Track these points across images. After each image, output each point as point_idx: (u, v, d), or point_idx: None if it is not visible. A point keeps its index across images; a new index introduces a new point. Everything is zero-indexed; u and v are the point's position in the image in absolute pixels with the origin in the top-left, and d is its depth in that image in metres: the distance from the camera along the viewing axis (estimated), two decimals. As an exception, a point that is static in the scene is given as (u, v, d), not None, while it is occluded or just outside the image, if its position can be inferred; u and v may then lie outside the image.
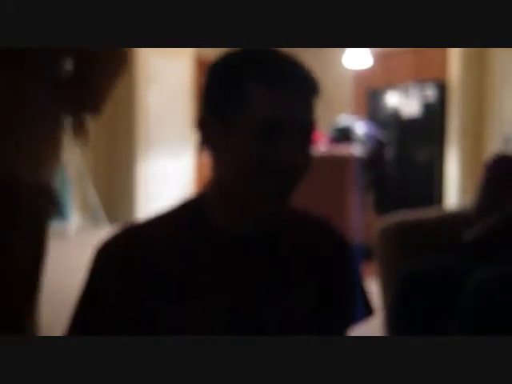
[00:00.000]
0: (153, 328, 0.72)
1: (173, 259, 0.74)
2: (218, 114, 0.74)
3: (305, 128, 0.74)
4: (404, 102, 5.65)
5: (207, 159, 0.78)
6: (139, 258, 0.73)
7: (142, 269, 0.73)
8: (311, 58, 6.96)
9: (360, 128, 4.54)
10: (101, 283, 0.75)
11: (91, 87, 1.37)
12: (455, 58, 5.00)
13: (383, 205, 4.51)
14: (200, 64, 6.13)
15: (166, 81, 5.71)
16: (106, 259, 0.76)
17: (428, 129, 5.45)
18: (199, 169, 6.02)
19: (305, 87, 0.74)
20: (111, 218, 5.64)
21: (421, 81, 5.59)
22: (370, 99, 6.00)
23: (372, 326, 0.89)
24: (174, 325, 0.72)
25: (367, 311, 0.85)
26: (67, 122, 1.40)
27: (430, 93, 5.44)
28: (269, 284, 0.77)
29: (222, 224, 0.75)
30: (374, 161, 4.24)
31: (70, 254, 4.18)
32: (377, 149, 4.41)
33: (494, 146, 4.45)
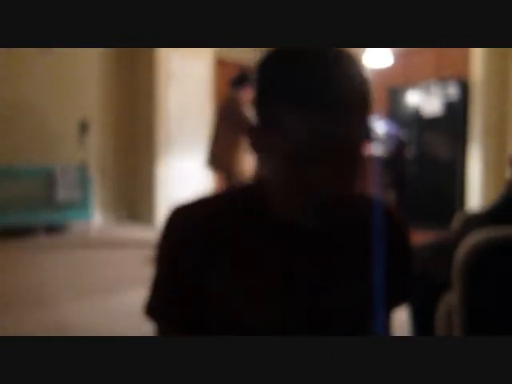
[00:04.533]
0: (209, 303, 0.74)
1: (234, 238, 0.76)
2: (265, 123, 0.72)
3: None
4: (425, 101, 5.59)
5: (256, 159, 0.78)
6: (206, 229, 0.75)
7: (207, 242, 0.75)
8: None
9: (380, 127, 4.51)
10: (169, 247, 0.79)
11: None
12: (478, 55, 4.93)
13: (404, 204, 4.47)
14: (220, 63, 6.16)
15: (187, 80, 5.75)
16: (178, 225, 0.78)
17: (450, 127, 5.38)
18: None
19: (344, 105, 0.67)
20: (132, 216, 5.71)
21: (442, 79, 5.53)
22: (390, 98, 5.95)
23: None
24: (227, 301, 0.74)
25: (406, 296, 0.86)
26: None
27: (452, 91, 5.37)
28: (329, 271, 0.77)
29: (281, 212, 0.75)
30: (394, 160, 4.21)
31: (92, 251, 4.26)
32: (397, 148, 4.38)
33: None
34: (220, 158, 4.20)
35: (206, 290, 0.74)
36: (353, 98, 0.68)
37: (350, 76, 0.70)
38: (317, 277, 0.76)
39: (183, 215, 0.78)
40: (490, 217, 1.73)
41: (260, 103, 0.73)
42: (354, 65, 0.72)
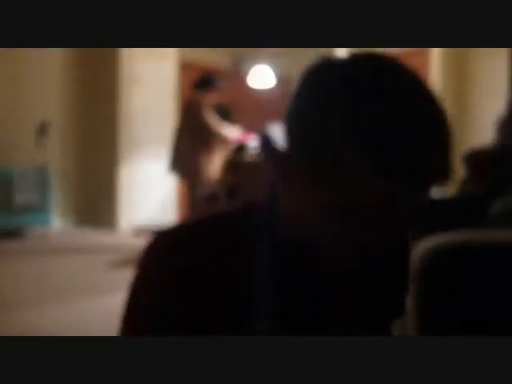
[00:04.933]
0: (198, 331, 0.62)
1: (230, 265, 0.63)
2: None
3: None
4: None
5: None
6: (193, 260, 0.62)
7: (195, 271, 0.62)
8: (297, 65, 7.00)
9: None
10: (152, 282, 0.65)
11: None
12: (435, 61, 5.09)
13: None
14: (184, 66, 6.12)
15: (150, 82, 5.70)
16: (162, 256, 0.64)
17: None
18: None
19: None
20: (93, 221, 5.59)
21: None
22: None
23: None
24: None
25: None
26: None
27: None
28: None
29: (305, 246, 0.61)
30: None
31: (51, 257, 4.15)
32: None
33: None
34: (182, 162, 4.16)
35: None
36: (444, 171, 0.53)
37: (449, 141, 0.53)
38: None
39: (167, 247, 0.65)
40: (444, 217, 1.79)
41: (307, 131, 0.54)
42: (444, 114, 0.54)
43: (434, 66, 5.17)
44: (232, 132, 4.18)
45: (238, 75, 6.47)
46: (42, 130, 5.13)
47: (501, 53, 4.55)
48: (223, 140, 4.09)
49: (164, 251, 0.64)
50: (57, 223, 5.30)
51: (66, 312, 2.84)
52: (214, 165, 4.12)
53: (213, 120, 4.05)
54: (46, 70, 5.29)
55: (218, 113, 4.21)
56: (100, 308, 2.92)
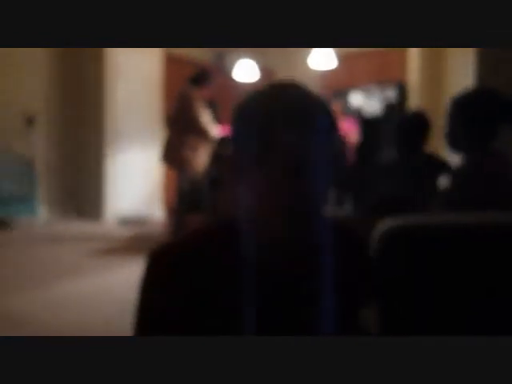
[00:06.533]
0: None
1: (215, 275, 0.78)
2: (250, 151, 0.76)
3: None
4: (367, 103, 5.89)
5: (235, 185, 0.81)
6: (188, 272, 0.77)
7: (190, 283, 0.76)
8: (279, 58, 7.11)
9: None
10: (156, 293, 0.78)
11: None
12: (414, 58, 5.25)
13: (345, 203, 4.70)
14: (169, 60, 6.19)
15: (135, 75, 5.76)
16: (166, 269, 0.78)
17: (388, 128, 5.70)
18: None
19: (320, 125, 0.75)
20: (79, 211, 5.67)
21: (382, 82, 5.84)
22: (334, 100, 6.22)
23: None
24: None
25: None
26: None
27: (391, 94, 5.69)
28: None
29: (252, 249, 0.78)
30: (335, 160, 4.42)
31: (37, 248, 4.23)
32: (338, 148, 4.61)
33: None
34: (173, 153, 4.28)
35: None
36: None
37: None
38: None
39: (166, 262, 0.79)
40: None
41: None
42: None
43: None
44: (216, 130, 4.32)
45: (220, 69, 6.57)
46: (29, 122, 5.18)
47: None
48: (208, 137, 4.24)
49: (164, 267, 0.79)
50: (43, 214, 5.37)
51: (54, 294, 2.96)
52: (201, 157, 4.25)
53: (202, 116, 4.19)
54: (31, 63, 5.32)
55: (208, 106, 4.35)
56: (86, 289, 3.06)
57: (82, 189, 5.70)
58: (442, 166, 2.81)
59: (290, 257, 0.81)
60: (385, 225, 1.07)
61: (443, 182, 2.59)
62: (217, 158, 4.26)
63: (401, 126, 2.93)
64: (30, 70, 5.31)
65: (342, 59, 5.82)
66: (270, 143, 0.74)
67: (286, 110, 0.75)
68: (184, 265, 0.77)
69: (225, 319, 0.76)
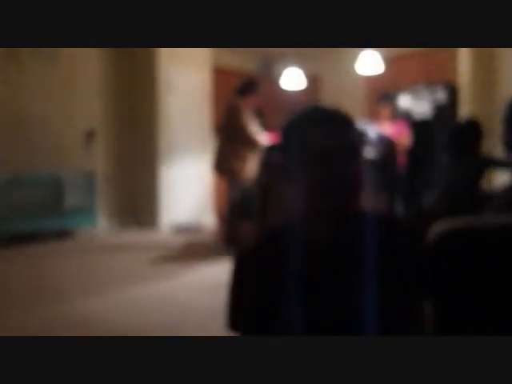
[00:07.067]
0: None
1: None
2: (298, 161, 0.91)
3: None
4: (415, 104, 5.81)
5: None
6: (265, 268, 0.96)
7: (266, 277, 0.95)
8: (325, 65, 7.14)
9: (372, 131, 4.72)
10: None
11: None
12: (464, 59, 5.14)
13: (397, 205, 4.67)
14: (217, 72, 6.36)
15: (185, 89, 5.96)
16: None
17: (440, 130, 5.59)
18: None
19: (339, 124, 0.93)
20: (136, 221, 5.90)
21: (431, 83, 5.74)
22: (383, 103, 6.15)
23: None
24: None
25: None
26: None
27: (441, 95, 5.59)
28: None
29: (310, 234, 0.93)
30: (386, 162, 4.41)
31: (100, 255, 4.45)
32: (388, 150, 4.59)
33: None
34: (223, 163, 4.41)
35: (268, 305, 0.94)
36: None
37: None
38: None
39: (249, 260, 0.99)
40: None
41: None
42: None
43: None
44: (263, 138, 4.41)
45: (267, 78, 6.67)
46: (90, 136, 5.46)
47: None
48: (256, 145, 4.34)
49: (248, 258, 1.00)
50: (102, 224, 5.63)
51: (117, 298, 3.12)
52: (250, 165, 4.36)
53: (249, 125, 4.30)
54: (90, 84, 5.62)
55: (255, 115, 4.47)
56: (146, 293, 3.21)
57: (138, 200, 5.93)
58: (495, 163, 2.78)
59: (337, 253, 0.92)
60: (440, 226, 1.06)
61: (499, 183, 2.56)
62: (266, 166, 4.35)
63: (453, 134, 2.92)
64: (89, 91, 5.62)
65: (389, 61, 5.79)
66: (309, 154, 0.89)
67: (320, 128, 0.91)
68: (263, 263, 0.96)
69: (291, 306, 0.91)
